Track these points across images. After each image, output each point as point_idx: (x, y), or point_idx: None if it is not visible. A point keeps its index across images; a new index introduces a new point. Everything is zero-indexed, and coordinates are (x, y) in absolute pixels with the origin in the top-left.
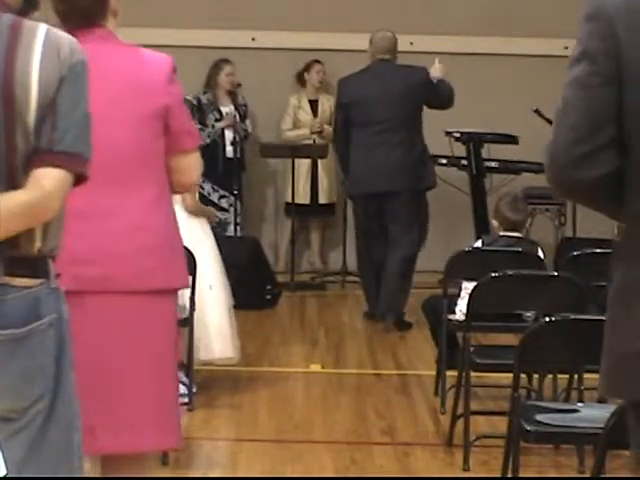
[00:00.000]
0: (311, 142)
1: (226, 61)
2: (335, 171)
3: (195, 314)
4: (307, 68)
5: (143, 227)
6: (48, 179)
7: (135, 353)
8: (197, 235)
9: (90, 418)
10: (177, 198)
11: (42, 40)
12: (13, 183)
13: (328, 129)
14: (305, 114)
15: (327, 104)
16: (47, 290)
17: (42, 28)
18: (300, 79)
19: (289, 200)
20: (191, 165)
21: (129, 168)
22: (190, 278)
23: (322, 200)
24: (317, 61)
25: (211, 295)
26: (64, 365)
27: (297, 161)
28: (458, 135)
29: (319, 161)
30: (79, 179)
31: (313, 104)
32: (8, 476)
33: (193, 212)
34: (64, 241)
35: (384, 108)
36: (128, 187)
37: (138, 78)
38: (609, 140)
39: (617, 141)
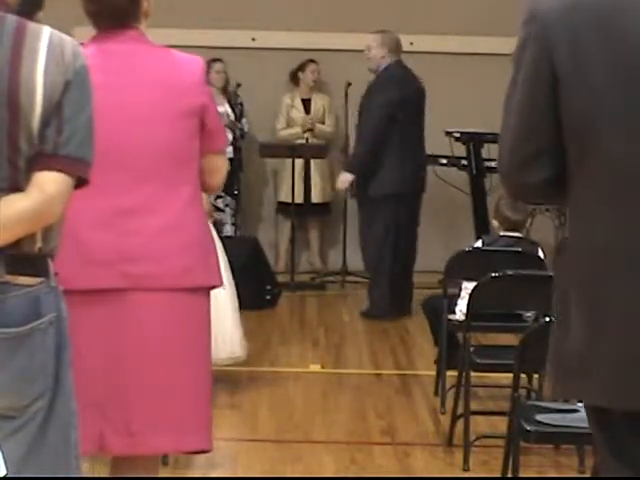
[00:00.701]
0: (304, 141)
1: (215, 60)
2: (330, 171)
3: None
4: (301, 67)
5: (182, 225)
6: (51, 184)
7: (177, 352)
8: None
9: (132, 419)
10: None
11: (46, 44)
12: (16, 185)
13: (320, 127)
14: (298, 113)
15: (320, 103)
16: (47, 289)
17: (46, 31)
18: (294, 78)
19: (281, 199)
20: (220, 166)
21: (168, 167)
22: None
23: (315, 200)
24: (312, 60)
25: (223, 296)
26: (63, 363)
27: (289, 161)
28: (458, 135)
29: (312, 161)
30: (80, 183)
31: (306, 103)
32: (8, 476)
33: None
34: (110, 239)
35: (422, 109)
36: (167, 186)
37: (173, 79)
38: (548, 143)
39: (558, 143)
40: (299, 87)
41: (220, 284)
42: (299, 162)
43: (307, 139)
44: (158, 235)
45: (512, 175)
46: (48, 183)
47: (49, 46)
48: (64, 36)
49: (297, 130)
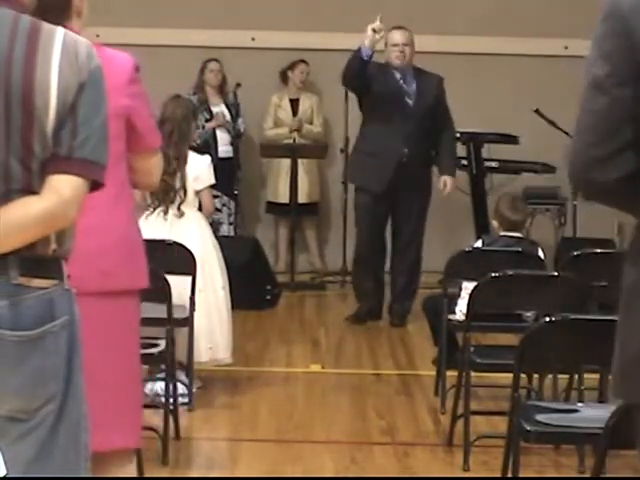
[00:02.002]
0: (291, 141)
1: (211, 59)
2: (317, 171)
3: (209, 316)
4: (292, 67)
5: (103, 227)
6: (66, 187)
7: (99, 354)
8: (209, 241)
9: None
10: (191, 202)
11: (60, 45)
12: (29, 188)
13: (307, 128)
14: (285, 113)
15: (308, 103)
16: (61, 291)
17: (60, 32)
18: (284, 77)
19: (269, 199)
20: (155, 165)
21: None
22: (190, 278)
23: (302, 200)
24: (303, 61)
25: (222, 297)
26: (75, 366)
27: (278, 161)
28: (458, 135)
29: (299, 161)
30: (94, 186)
31: (294, 103)
32: (8, 476)
33: (210, 216)
34: None
35: None
36: None
37: None
38: (626, 142)
39: (636, 142)
40: (287, 86)
41: (145, 286)
42: (286, 162)
43: (294, 139)
44: (80, 238)
45: (583, 174)
46: (64, 186)
47: (63, 47)
48: (78, 37)
49: (284, 130)
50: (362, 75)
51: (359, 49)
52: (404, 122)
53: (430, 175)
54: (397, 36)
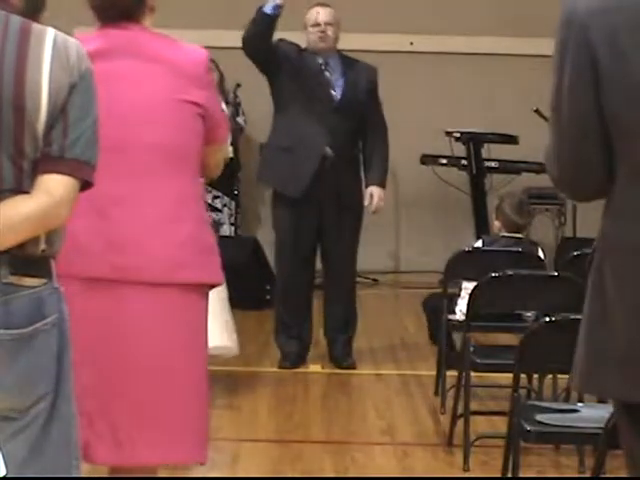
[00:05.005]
0: None
1: None
2: None
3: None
4: None
5: (173, 219)
6: (58, 187)
7: (164, 355)
8: None
9: (118, 429)
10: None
11: (51, 46)
12: (20, 187)
13: None
14: None
15: None
16: (50, 290)
17: (50, 33)
18: None
19: None
20: (222, 157)
21: (164, 157)
22: None
23: None
24: None
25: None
26: (65, 365)
27: None
28: (458, 135)
29: None
30: (84, 186)
31: None
32: (8, 476)
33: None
34: (100, 228)
35: None
36: (162, 177)
37: (178, 66)
38: (598, 147)
39: (608, 145)
40: None
41: (219, 281)
42: None
43: None
44: (148, 227)
45: (572, 177)
46: (55, 186)
47: (54, 48)
48: (69, 38)
49: None
50: (266, 37)
51: (261, 6)
52: (327, 116)
53: (360, 184)
54: (318, 14)
